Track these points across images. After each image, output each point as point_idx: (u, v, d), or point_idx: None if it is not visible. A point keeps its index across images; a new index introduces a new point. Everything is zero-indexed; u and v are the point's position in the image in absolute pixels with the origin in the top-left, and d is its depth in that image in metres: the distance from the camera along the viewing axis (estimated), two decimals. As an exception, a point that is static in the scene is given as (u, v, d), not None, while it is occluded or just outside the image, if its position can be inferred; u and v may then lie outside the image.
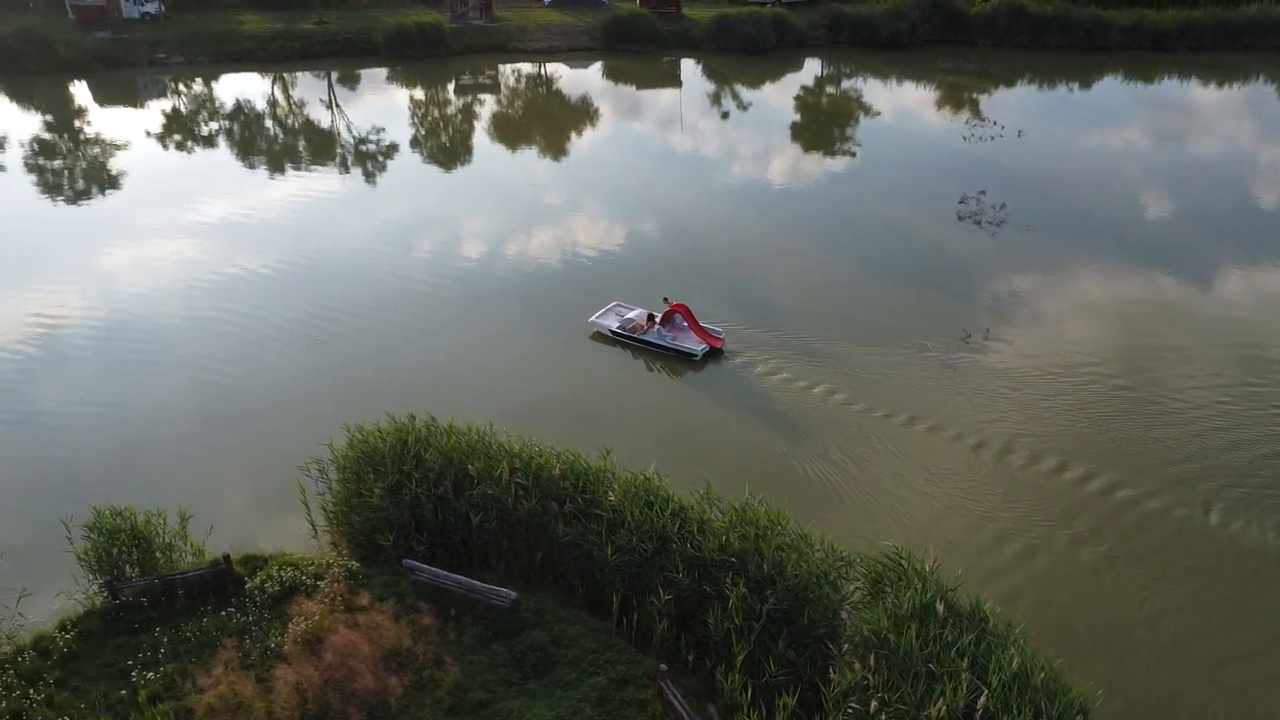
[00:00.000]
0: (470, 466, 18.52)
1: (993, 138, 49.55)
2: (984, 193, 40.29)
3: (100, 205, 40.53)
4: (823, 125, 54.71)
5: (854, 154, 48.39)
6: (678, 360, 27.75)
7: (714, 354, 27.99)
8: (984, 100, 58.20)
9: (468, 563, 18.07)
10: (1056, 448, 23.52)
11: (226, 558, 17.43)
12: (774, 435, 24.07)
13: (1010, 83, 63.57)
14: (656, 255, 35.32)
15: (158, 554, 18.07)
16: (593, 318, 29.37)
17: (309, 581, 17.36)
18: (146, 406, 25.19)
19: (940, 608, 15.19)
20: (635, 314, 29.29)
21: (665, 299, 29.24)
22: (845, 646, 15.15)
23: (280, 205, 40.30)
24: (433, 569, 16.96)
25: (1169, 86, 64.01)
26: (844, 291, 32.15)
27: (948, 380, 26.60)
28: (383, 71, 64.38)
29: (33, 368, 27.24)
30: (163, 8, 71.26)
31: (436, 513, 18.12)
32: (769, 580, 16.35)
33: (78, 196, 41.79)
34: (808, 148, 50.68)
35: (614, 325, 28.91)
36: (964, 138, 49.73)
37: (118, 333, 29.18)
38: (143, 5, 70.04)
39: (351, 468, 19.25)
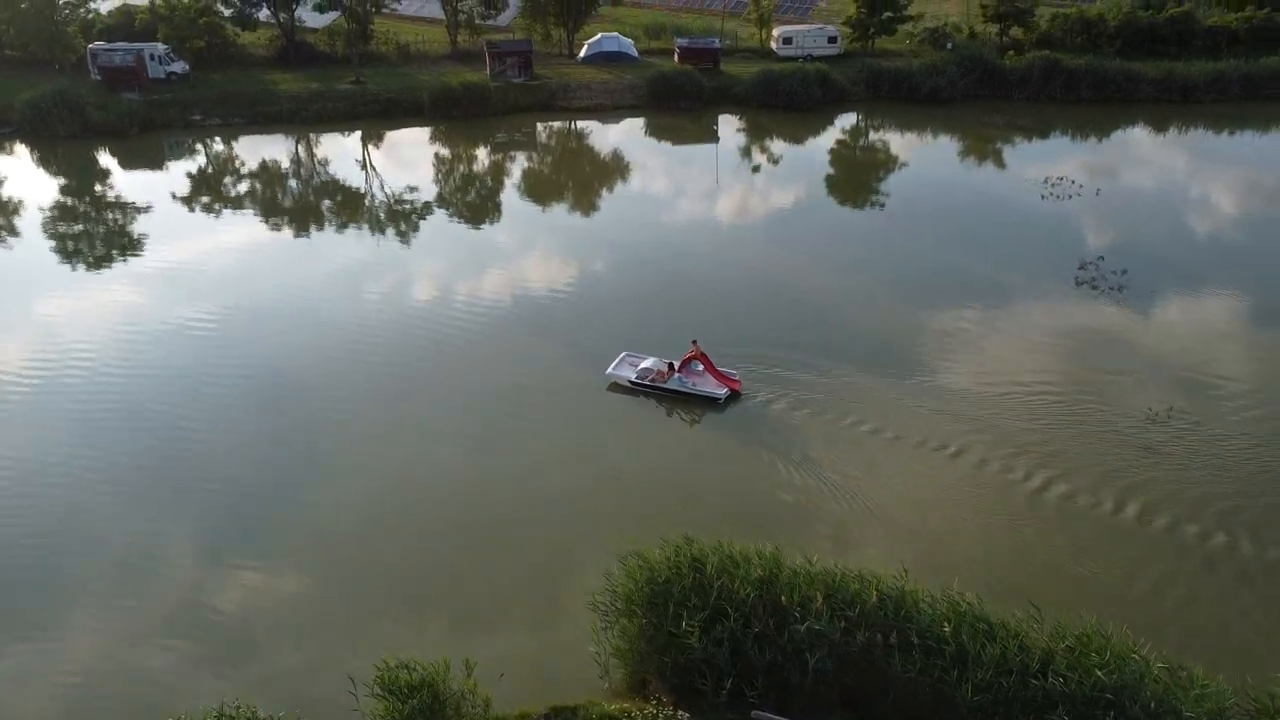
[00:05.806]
0: (783, 598, 17.15)
1: (1071, 196, 49.48)
2: (1102, 258, 39.90)
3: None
4: (898, 185, 54.19)
5: (940, 216, 47.59)
6: (710, 407, 28.84)
7: (733, 397, 29.08)
8: (1045, 156, 58.16)
9: (798, 707, 16.55)
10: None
11: (547, 715, 15.74)
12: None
13: (1063, 137, 64.06)
14: (742, 305, 36.16)
15: (448, 709, 16.33)
16: (608, 370, 30.14)
17: (639, 737, 15.75)
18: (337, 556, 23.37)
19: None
20: (650, 363, 29.92)
21: (694, 341, 30.20)
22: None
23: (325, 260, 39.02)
24: (790, 721, 15.45)
25: (1227, 138, 65.04)
26: (976, 359, 31.82)
27: (1150, 458, 26.09)
28: (427, 131, 63.08)
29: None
30: (188, 68, 69.26)
31: (762, 652, 16.64)
32: (1155, 717, 15.22)
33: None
34: (893, 208, 50.33)
35: (631, 375, 29.68)
36: (1043, 196, 49.56)
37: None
38: (168, 65, 68.00)
39: (638, 600, 17.74)
